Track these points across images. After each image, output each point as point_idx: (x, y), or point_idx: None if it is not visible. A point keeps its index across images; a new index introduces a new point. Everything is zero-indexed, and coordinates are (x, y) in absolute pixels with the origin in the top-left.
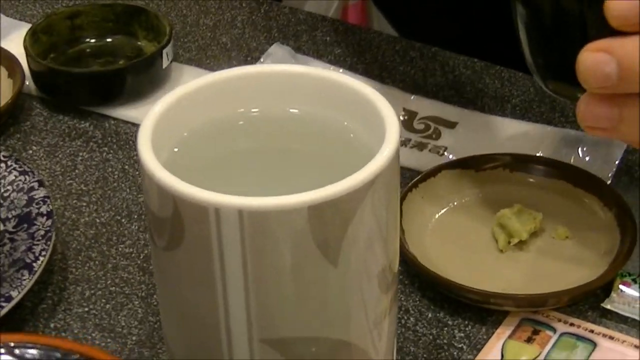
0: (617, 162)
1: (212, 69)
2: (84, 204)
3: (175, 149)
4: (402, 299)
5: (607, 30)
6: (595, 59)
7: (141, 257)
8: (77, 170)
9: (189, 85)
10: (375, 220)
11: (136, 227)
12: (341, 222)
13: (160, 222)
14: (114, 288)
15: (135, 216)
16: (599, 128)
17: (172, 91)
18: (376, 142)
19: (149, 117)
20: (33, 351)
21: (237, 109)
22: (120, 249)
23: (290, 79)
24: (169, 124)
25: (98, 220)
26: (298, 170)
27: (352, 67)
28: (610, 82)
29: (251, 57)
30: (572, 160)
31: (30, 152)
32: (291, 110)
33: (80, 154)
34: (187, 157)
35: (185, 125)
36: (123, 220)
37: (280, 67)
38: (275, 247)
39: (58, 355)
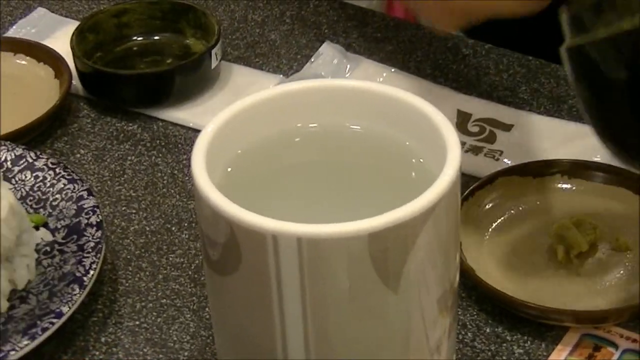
0: None
1: (261, 67)
2: (134, 210)
3: (229, 169)
4: (460, 312)
5: None
6: None
7: (192, 267)
8: (125, 175)
9: (243, 101)
10: (436, 245)
11: (186, 236)
12: (402, 249)
13: (215, 246)
14: (165, 300)
15: (186, 224)
16: None
17: (226, 108)
18: (437, 164)
19: (202, 136)
20: None
21: (294, 125)
22: (170, 259)
23: (350, 94)
24: (223, 143)
25: (148, 229)
26: (357, 190)
27: (404, 66)
28: None
29: (301, 55)
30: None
31: (78, 155)
32: (352, 126)
33: (129, 157)
34: (242, 176)
35: (240, 143)
36: (173, 228)
37: (339, 82)
38: (334, 275)
39: None
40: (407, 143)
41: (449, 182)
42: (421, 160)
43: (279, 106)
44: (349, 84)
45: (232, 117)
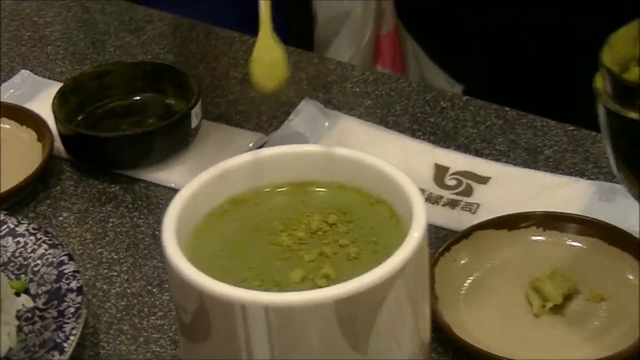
0: None
1: (242, 125)
2: (115, 273)
3: (200, 231)
4: None
5: None
6: None
7: (173, 329)
8: (107, 238)
9: (215, 167)
10: (406, 305)
11: (167, 297)
12: (369, 314)
13: (186, 313)
14: None
15: (166, 285)
16: None
17: (198, 175)
18: (404, 226)
19: (173, 204)
20: None
21: (263, 189)
22: (152, 321)
23: (317, 158)
24: (195, 207)
25: (129, 291)
26: (325, 252)
27: (382, 120)
28: None
29: (280, 112)
30: (606, 215)
31: (61, 218)
32: (317, 189)
33: (111, 219)
34: (213, 238)
35: (211, 206)
36: (154, 290)
37: (305, 147)
38: (304, 342)
39: None
40: (374, 206)
41: (415, 246)
42: (388, 221)
43: (249, 171)
44: (314, 149)
45: (203, 183)
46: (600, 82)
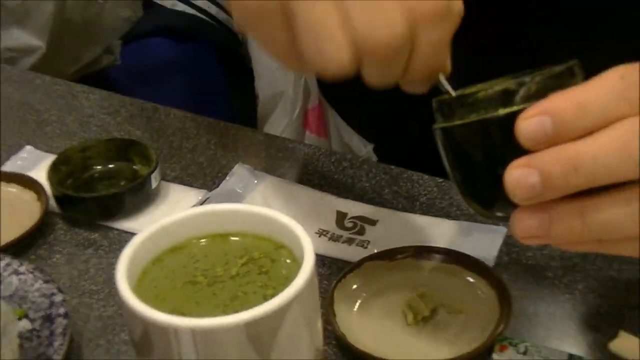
0: (498, 247)
1: (192, 184)
2: (94, 300)
3: (145, 271)
4: None
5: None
6: (519, 173)
7: None
8: (89, 274)
9: (155, 224)
10: (300, 324)
11: None
12: (272, 331)
13: (135, 334)
14: None
15: None
16: (534, 237)
17: (143, 230)
18: (299, 261)
19: (124, 252)
20: None
21: (190, 240)
22: (122, 337)
23: (231, 214)
24: (142, 253)
25: (105, 314)
26: (240, 285)
27: (298, 178)
28: (536, 192)
29: (221, 174)
30: (465, 247)
31: (54, 259)
32: (232, 238)
33: (92, 259)
34: (153, 277)
35: (152, 253)
36: (124, 314)
37: (221, 206)
38: (222, 355)
39: None
40: (279, 248)
41: (305, 279)
42: (287, 260)
43: (182, 226)
44: (229, 207)
45: (148, 235)
46: (436, 122)
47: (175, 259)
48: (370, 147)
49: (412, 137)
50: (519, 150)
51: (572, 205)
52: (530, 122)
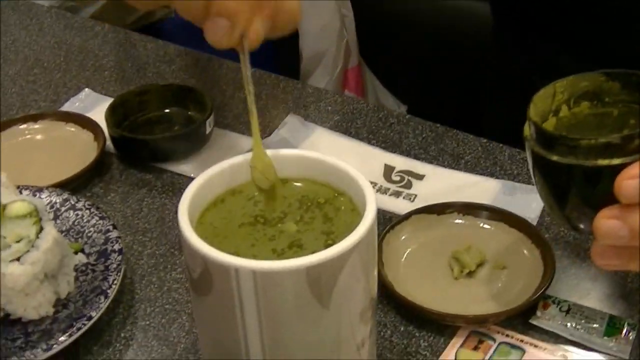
0: (542, 207)
1: (244, 132)
2: (147, 239)
3: (205, 212)
4: (382, 315)
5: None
6: (611, 225)
7: (188, 281)
8: (142, 212)
9: (218, 165)
10: (359, 271)
11: None
12: (332, 277)
13: (194, 273)
14: (168, 306)
15: None
16: (611, 265)
17: (205, 171)
18: (361, 209)
19: (186, 191)
20: None
21: (250, 183)
22: (173, 275)
23: (293, 159)
24: (202, 194)
25: (157, 252)
26: (301, 230)
27: (347, 131)
28: (622, 242)
29: (272, 123)
30: (509, 205)
31: (109, 197)
32: (295, 183)
33: (145, 199)
34: (213, 218)
35: (214, 194)
36: (176, 252)
37: (284, 151)
38: (281, 297)
39: None
40: (339, 196)
41: (367, 228)
42: (349, 207)
43: (243, 169)
44: (290, 152)
45: (208, 176)
46: (527, 131)
47: (234, 201)
48: (404, 108)
49: (445, 102)
50: (608, 198)
51: None
52: (632, 182)
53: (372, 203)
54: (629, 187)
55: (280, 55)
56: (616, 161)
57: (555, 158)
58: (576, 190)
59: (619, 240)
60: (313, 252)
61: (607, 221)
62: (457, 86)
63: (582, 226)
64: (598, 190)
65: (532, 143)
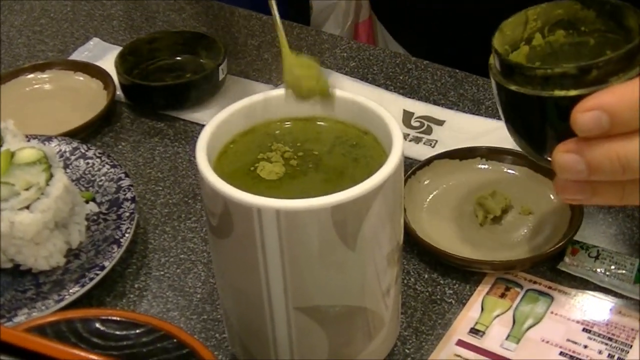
0: None
1: (257, 79)
2: (160, 188)
3: (223, 152)
4: (405, 262)
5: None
6: (568, 159)
7: (203, 230)
8: (154, 161)
9: (234, 105)
10: (385, 213)
11: (200, 207)
12: (357, 217)
13: (214, 215)
14: (183, 256)
15: (199, 197)
16: (575, 199)
17: (222, 110)
18: (386, 151)
19: (204, 131)
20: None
21: (272, 122)
22: (187, 224)
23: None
24: (220, 135)
25: (171, 201)
26: (325, 170)
27: (363, 77)
28: (581, 177)
29: None
30: None
31: (120, 147)
32: (318, 123)
33: (157, 148)
34: (234, 159)
35: (232, 134)
36: (190, 201)
37: None
38: (306, 238)
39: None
40: (363, 135)
41: (394, 166)
42: (374, 147)
43: (261, 108)
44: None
45: (225, 117)
46: (492, 60)
47: (254, 139)
48: None
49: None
50: (568, 129)
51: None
52: (587, 115)
53: (399, 140)
54: (584, 119)
55: (290, 8)
56: (573, 92)
57: (513, 87)
58: (535, 121)
59: (577, 174)
60: (338, 192)
61: (563, 155)
62: (471, 41)
63: (547, 158)
64: (556, 122)
65: (495, 71)
